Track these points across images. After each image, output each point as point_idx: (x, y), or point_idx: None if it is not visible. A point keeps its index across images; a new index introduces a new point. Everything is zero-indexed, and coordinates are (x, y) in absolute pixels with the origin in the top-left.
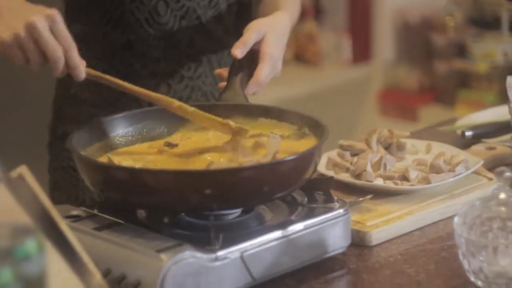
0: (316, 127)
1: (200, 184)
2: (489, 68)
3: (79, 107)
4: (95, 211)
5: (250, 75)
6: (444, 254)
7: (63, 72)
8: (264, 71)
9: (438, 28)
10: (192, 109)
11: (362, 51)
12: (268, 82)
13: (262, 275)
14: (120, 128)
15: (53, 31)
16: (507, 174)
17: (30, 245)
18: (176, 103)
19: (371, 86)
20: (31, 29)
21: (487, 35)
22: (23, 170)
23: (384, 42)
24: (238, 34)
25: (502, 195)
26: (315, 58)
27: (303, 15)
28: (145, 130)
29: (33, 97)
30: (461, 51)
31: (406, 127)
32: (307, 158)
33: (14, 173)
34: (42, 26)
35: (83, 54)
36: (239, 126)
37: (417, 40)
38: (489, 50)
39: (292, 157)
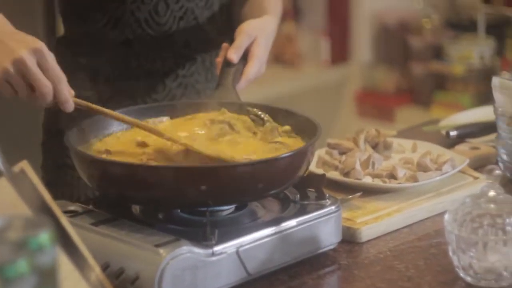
0: (308, 125)
1: (196, 180)
2: (465, 71)
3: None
4: (90, 207)
5: (241, 71)
6: (433, 250)
7: (52, 104)
8: (252, 70)
9: (415, 31)
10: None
11: (340, 52)
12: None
13: (256, 270)
14: (116, 125)
15: (41, 65)
16: (497, 172)
17: (43, 237)
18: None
19: (349, 87)
20: (19, 65)
21: (464, 37)
22: (24, 165)
23: (362, 44)
24: (229, 34)
25: (492, 193)
26: (294, 59)
27: (282, 16)
28: None
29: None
30: (437, 53)
31: (383, 128)
32: (302, 155)
33: (16, 168)
34: (30, 61)
35: (80, 52)
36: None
37: (395, 42)
38: (465, 53)
39: (287, 154)
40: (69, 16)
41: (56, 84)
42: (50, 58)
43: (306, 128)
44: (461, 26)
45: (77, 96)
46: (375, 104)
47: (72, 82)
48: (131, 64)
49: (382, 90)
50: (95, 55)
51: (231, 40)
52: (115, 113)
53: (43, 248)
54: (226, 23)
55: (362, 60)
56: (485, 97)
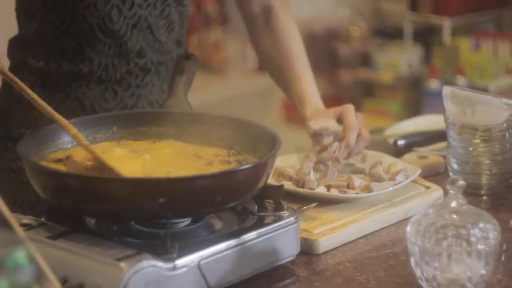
0: (266, 136)
1: (155, 192)
2: (393, 78)
3: (24, 109)
4: (43, 219)
5: (191, 81)
6: (391, 261)
7: None
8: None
9: (342, 38)
10: (85, 143)
11: None
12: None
13: (217, 283)
14: (67, 135)
15: None
16: (460, 182)
17: (20, 255)
18: (73, 130)
19: (276, 95)
20: None
21: (391, 45)
22: None
23: None
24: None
25: (454, 204)
26: (221, 66)
27: (209, 23)
28: (91, 136)
29: None
30: (365, 60)
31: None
32: (262, 167)
33: None
34: None
35: (32, 54)
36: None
37: (322, 50)
38: (393, 60)
39: (247, 166)
40: (22, 15)
41: None
42: None
43: (264, 140)
44: (388, 33)
45: (25, 101)
46: None
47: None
48: (82, 70)
49: None
50: (46, 58)
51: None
52: (35, 96)
53: (20, 266)
54: (186, 36)
55: None
56: (413, 104)
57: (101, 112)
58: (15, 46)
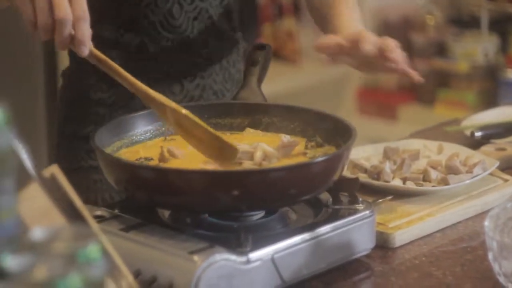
0: (341, 128)
1: (229, 184)
2: (469, 68)
3: (91, 107)
4: (116, 211)
5: (265, 71)
6: (469, 256)
7: (67, 44)
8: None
9: (418, 27)
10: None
11: None
12: None
13: (291, 278)
14: (140, 126)
15: None
16: None
17: (93, 249)
18: (172, 104)
19: (350, 85)
20: None
21: (467, 34)
22: (54, 169)
23: None
24: (243, 31)
25: None
26: (294, 55)
27: (282, 13)
28: (165, 127)
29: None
30: (441, 50)
31: (385, 126)
32: (337, 160)
33: (46, 173)
34: None
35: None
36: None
37: (397, 39)
38: (469, 50)
39: (322, 159)
40: None
41: (78, 18)
42: None
43: (339, 131)
44: (464, 22)
45: (93, 98)
46: (377, 102)
47: (88, 85)
48: (147, 67)
49: (384, 87)
50: (110, 57)
51: (245, 37)
52: (127, 75)
53: (93, 261)
54: (239, 20)
55: None
56: (489, 95)
57: None
58: None
